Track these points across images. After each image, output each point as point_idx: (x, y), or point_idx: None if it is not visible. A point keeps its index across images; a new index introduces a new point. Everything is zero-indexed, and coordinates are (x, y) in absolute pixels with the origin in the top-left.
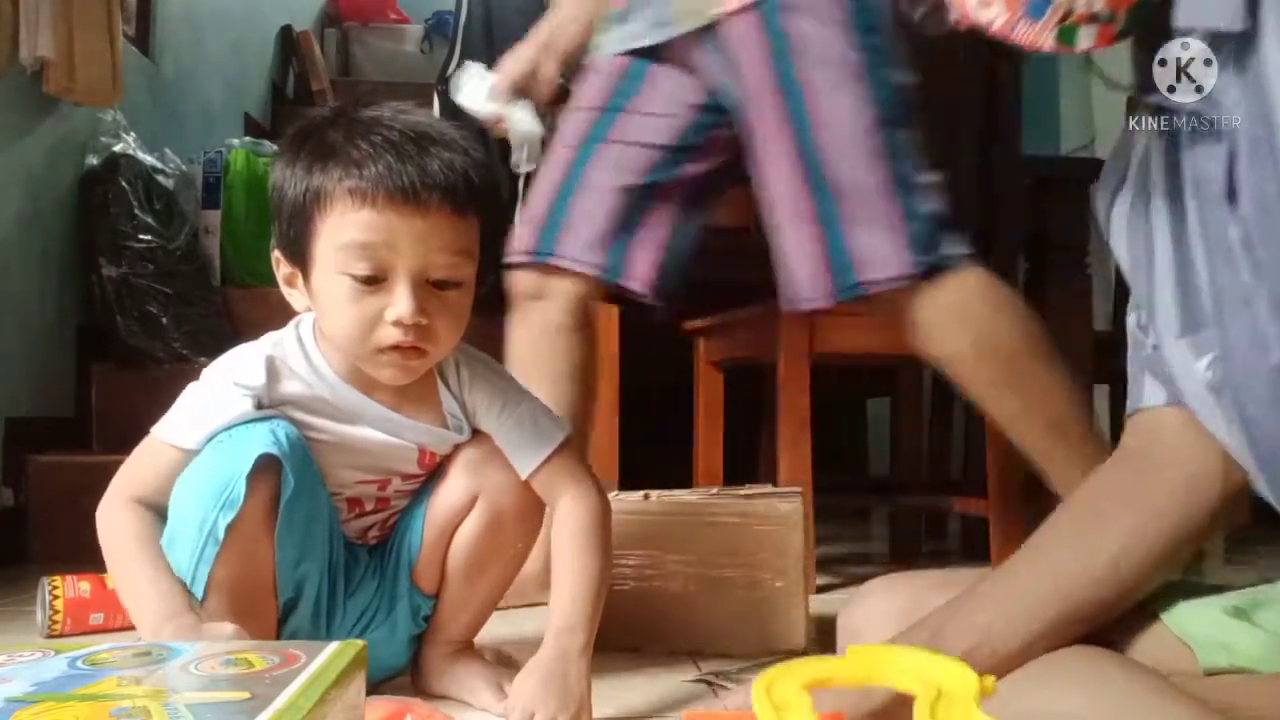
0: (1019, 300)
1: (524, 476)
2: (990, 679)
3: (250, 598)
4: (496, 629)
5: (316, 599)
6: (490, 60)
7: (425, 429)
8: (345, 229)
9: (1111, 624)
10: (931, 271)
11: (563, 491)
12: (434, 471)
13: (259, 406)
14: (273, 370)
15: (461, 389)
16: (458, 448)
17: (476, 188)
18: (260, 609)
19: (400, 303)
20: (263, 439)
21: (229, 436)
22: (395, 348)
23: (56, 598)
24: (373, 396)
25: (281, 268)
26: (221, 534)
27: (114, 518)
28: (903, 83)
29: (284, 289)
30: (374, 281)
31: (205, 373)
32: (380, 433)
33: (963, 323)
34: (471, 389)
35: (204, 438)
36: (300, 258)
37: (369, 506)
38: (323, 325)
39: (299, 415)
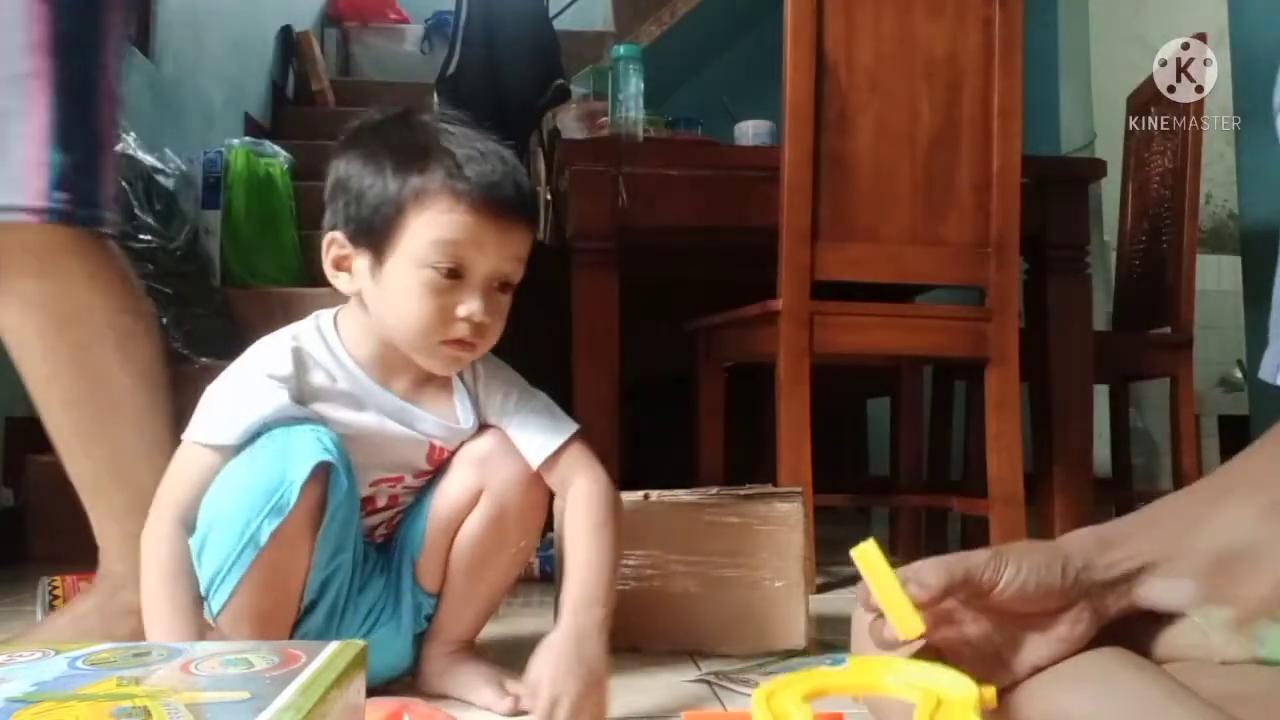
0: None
1: (536, 464)
2: (990, 690)
3: (277, 599)
4: (495, 628)
5: (335, 599)
6: (490, 60)
7: (436, 421)
8: (443, 226)
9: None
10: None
11: (576, 477)
12: (440, 468)
13: (293, 397)
14: (299, 361)
15: (476, 383)
16: (462, 444)
17: (536, 202)
18: (283, 610)
19: (474, 301)
20: (313, 446)
21: (273, 440)
22: (458, 341)
23: (56, 598)
24: (390, 389)
25: (334, 250)
26: (264, 539)
27: (150, 545)
28: None
29: (329, 272)
30: (454, 276)
31: (231, 369)
32: (396, 424)
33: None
34: (486, 383)
35: (242, 432)
36: (378, 244)
37: (381, 503)
38: (383, 311)
39: (324, 409)
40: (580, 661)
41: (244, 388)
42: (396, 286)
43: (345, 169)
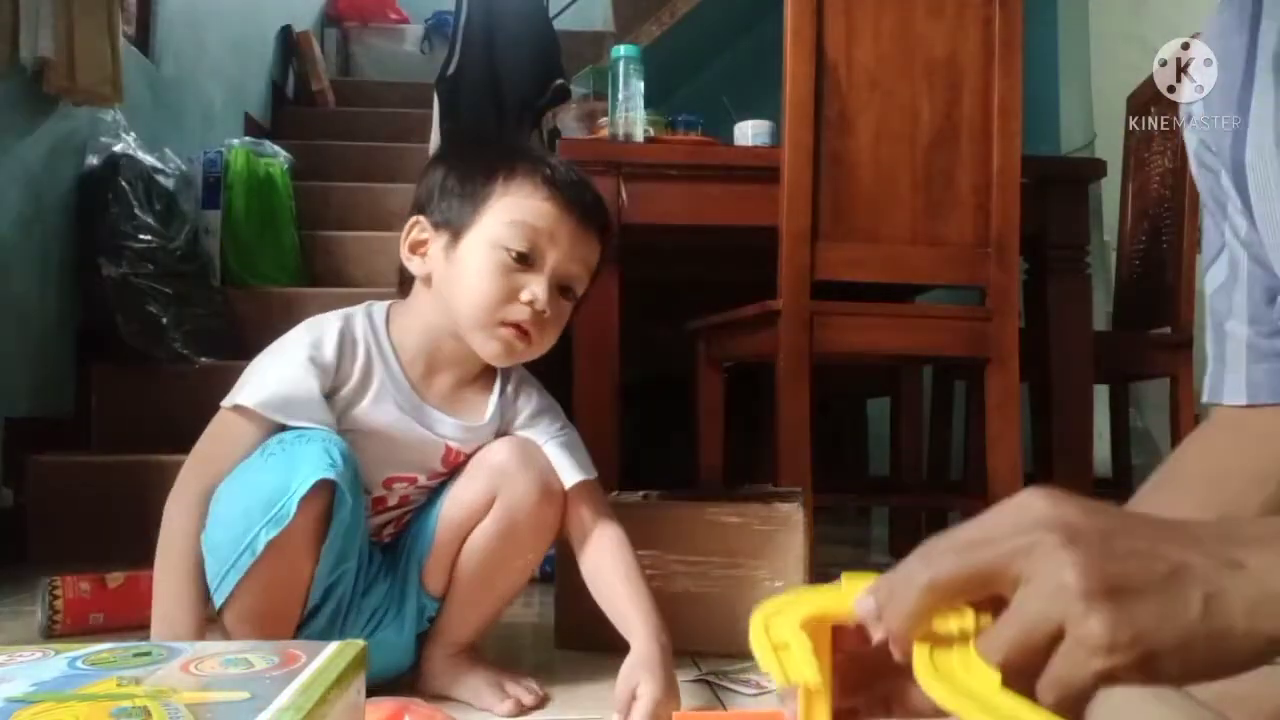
0: None
1: (570, 484)
2: (987, 617)
3: (278, 604)
4: (495, 630)
5: (339, 603)
6: (490, 60)
7: (455, 424)
8: (522, 209)
9: None
10: None
11: (603, 510)
12: (454, 471)
13: (322, 386)
14: (343, 345)
15: (517, 398)
16: (479, 449)
17: (612, 223)
18: (285, 614)
19: (539, 287)
20: (319, 460)
21: (282, 446)
22: (515, 325)
23: (56, 598)
24: (427, 391)
25: (415, 233)
26: (260, 548)
27: (171, 519)
28: None
29: (405, 254)
30: (523, 261)
31: (281, 339)
32: (415, 423)
33: None
34: (537, 407)
35: (263, 399)
36: (456, 225)
37: (392, 503)
38: (451, 290)
39: (348, 402)
40: (669, 676)
41: (282, 361)
42: (468, 264)
43: (439, 170)
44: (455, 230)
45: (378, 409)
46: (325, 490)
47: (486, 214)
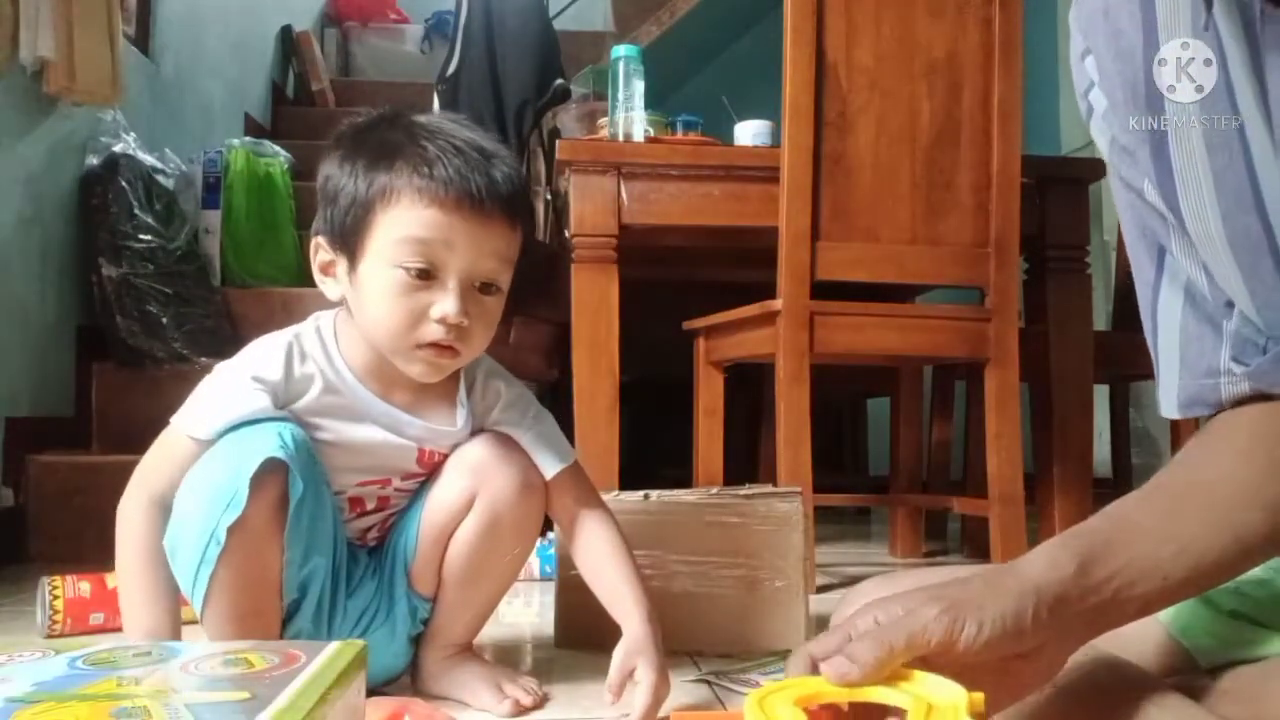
0: None
1: (550, 475)
2: (979, 695)
3: (255, 598)
4: (494, 630)
5: (319, 600)
6: (490, 60)
7: (425, 426)
8: (408, 224)
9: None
10: None
11: (588, 494)
12: (433, 471)
13: (274, 402)
14: (290, 365)
15: (486, 396)
16: (455, 448)
17: (526, 202)
18: (265, 609)
19: (448, 301)
20: (268, 442)
21: (234, 438)
22: (433, 345)
23: (56, 598)
24: (390, 400)
25: (320, 254)
26: (223, 537)
27: (127, 522)
28: None
29: (318, 277)
30: (425, 276)
31: (224, 365)
32: (383, 431)
33: None
34: (505, 398)
35: (219, 429)
36: (350, 246)
37: (370, 506)
38: (362, 316)
39: (308, 416)
40: (663, 661)
41: (228, 386)
42: (370, 289)
43: (325, 172)
44: (351, 253)
45: (340, 422)
46: (278, 470)
47: (375, 233)
